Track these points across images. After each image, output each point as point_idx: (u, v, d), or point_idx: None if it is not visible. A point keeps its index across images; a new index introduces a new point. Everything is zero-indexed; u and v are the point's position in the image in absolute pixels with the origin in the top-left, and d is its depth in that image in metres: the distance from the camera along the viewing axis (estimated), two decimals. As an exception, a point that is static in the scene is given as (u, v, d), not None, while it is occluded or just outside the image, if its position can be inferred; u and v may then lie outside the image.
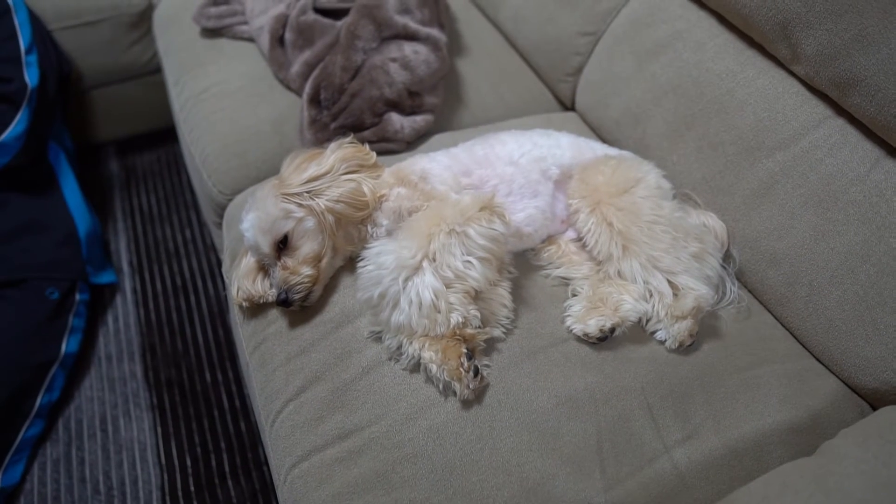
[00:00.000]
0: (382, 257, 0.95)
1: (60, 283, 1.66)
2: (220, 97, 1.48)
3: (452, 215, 0.95)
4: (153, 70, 2.06)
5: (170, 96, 1.65)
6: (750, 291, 1.16)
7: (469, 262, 0.94)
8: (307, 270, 1.04)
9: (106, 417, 1.62)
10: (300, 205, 1.05)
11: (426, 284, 0.92)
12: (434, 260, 0.93)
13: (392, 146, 1.36)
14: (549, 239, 1.16)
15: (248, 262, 1.13)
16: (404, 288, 0.92)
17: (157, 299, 1.88)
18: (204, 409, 1.64)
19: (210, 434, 1.58)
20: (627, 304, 1.01)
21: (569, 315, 1.03)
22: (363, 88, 1.34)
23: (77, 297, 1.70)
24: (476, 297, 0.97)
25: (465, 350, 0.93)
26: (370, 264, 0.96)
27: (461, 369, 0.91)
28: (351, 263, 1.09)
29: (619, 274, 1.05)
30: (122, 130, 2.28)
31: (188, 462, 1.53)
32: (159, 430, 1.60)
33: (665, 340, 1.01)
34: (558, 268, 1.11)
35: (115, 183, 2.21)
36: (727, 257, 1.15)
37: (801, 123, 1.07)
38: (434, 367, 0.93)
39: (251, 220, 1.06)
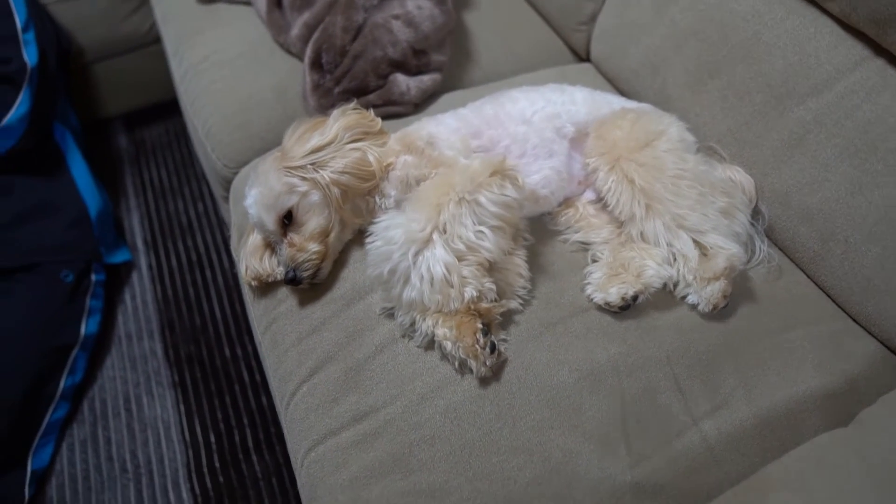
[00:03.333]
0: (391, 231, 0.90)
1: (74, 265, 1.64)
2: (219, 66, 1.43)
3: (462, 183, 0.90)
4: (154, 40, 2.00)
5: (170, 67, 1.60)
6: (780, 249, 1.10)
7: (481, 231, 0.89)
8: (314, 246, 1.00)
9: (129, 396, 1.62)
10: (304, 178, 1.00)
11: (437, 258, 0.87)
12: (444, 232, 0.88)
13: (399, 109, 1.30)
14: (567, 202, 1.10)
15: (255, 239, 1.09)
16: (415, 263, 0.88)
17: (174, 275, 1.86)
18: (225, 384, 1.64)
19: (232, 409, 1.58)
20: (650, 269, 0.96)
21: (588, 283, 0.98)
22: (366, 49, 1.27)
23: (93, 277, 1.69)
24: (490, 268, 0.92)
25: (480, 325, 0.89)
26: (378, 240, 0.92)
27: (477, 346, 0.87)
28: (360, 236, 1.05)
29: (643, 236, 0.99)
30: (129, 104, 2.24)
31: (212, 438, 1.53)
32: (182, 407, 1.60)
33: (697, 304, 0.96)
34: (577, 232, 1.06)
35: (125, 158, 2.18)
36: (756, 214, 1.09)
37: (835, 66, 0.99)
38: (449, 345, 0.89)
39: (254, 197, 1.02)
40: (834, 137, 0.98)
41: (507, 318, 0.95)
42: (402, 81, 1.28)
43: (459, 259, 0.88)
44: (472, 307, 0.90)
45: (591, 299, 0.97)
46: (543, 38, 1.51)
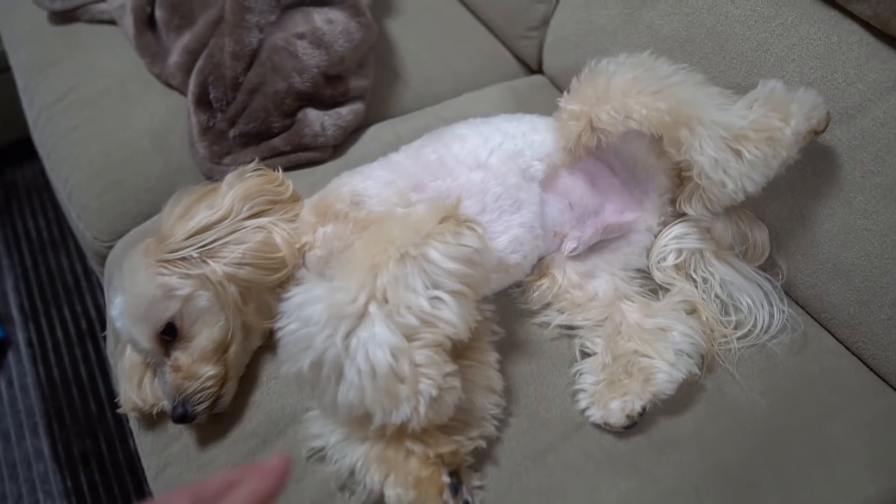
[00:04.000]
0: (308, 308, 0.62)
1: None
2: (79, 106, 1.11)
3: (403, 234, 0.64)
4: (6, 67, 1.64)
5: (22, 105, 1.27)
6: (800, 306, 0.89)
7: (437, 298, 0.63)
8: (209, 369, 0.73)
9: (7, 518, 1.31)
10: (187, 274, 0.73)
11: (377, 340, 0.60)
12: (385, 301, 0.62)
13: (313, 155, 1.02)
14: (540, 267, 0.86)
15: (133, 356, 0.81)
16: (347, 349, 0.61)
17: (59, 350, 1.54)
18: (132, 485, 1.35)
19: (140, 523, 1.29)
20: (661, 373, 0.73)
21: (581, 391, 0.75)
22: (264, 80, 0.99)
23: (-52, 371, 1.36)
24: (453, 351, 0.67)
25: (447, 479, 0.64)
26: (292, 321, 0.63)
27: (445, 512, 0.63)
28: (272, 341, 0.78)
29: (702, 174, 0.76)
30: (-6, 141, 1.87)
31: (116, 567, 1.24)
32: (78, 522, 1.30)
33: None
34: (559, 313, 0.82)
35: (-7, 207, 1.82)
36: (772, 268, 0.87)
37: (868, 86, 0.78)
38: (405, 513, 0.64)
39: (119, 306, 0.74)
40: (873, 176, 0.77)
41: (481, 453, 0.70)
42: (314, 119, 1.01)
43: (409, 338, 0.62)
44: (432, 455, 0.65)
45: (587, 417, 0.73)
46: (486, 48, 1.26)
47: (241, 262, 0.73)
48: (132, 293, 0.73)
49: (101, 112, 1.10)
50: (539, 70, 1.24)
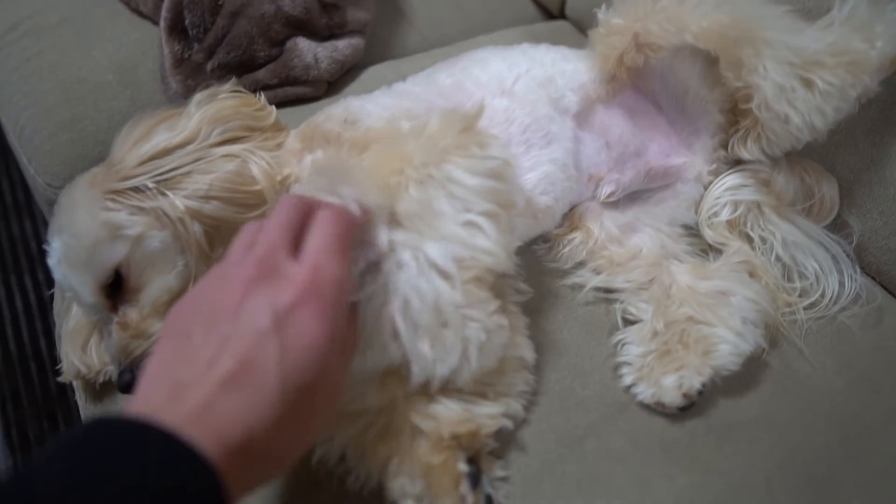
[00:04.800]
0: None
1: None
2: (36, 35, 0.97)
3: (418, 150, 0.51)
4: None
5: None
6: (872, 275, 0.76)
7: (471, 224, 0.50)
8: (160, 325, 0.59)
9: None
10: (139, 208, 0.59)
11: (411, 279, 0.48)
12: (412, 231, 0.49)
13: (303, 90, 0.88)
14: (570, 217, 0.73)
15: (79, 314, 0.67)
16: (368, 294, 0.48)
17: (18, 323, 1.39)
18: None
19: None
20: (725, 344, 0.60)
21: (626, 366, 0.61)
22: (248, 2, 0.85)
23: None
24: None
25: (465, 467, 0.51)
26: None
27: (462, 507, 0.49)
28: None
29: (762, 105, 0.63)
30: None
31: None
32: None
33: None
34: (597, 273, 0.68)
35: (-50, 167, 1.66)
36: (841, 228, 0.74)
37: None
38: (412, 507, 0.50)
39: (57, 251, 0.60)
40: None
41: (506, 437, 0.57)
42: (306, 49, 0.87)
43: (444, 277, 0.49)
44: (447, 435, 0.51)
45: (634, 395, 0.60)
46: (502, -13, 1.12)
47: (207, 194, 0.59)
48: (71, 234, 0.59)
49: (60, 42, 0.95)
50: (561, 15, 1.10)
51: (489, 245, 0.49)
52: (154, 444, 0.33)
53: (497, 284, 0.55)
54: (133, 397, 0.39)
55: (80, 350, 0.65)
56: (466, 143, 0.50)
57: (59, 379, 0.66)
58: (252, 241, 0.43)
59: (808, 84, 0.62)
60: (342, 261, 0.43)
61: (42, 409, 1.28)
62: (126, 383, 0.58)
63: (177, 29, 0.88)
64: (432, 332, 0.48)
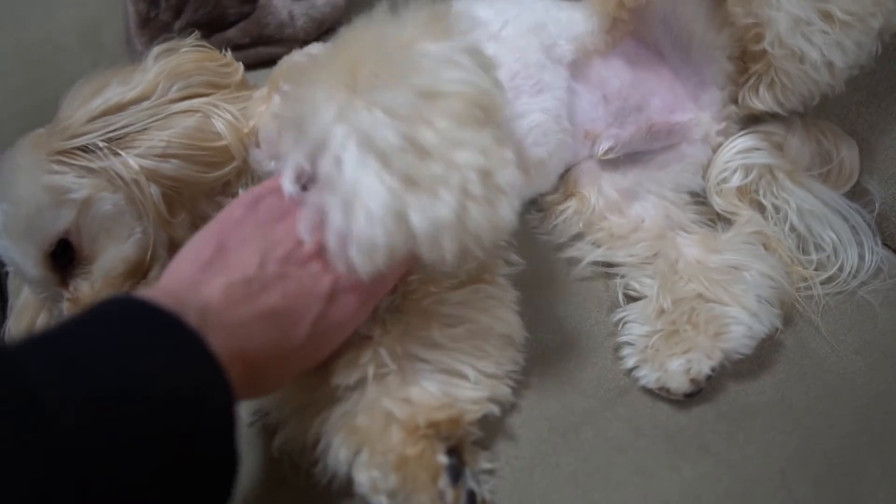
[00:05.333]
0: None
1: None
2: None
3: (380, 42, 0.43)
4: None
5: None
6: (893, 250, 0.70)
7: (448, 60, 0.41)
8: None
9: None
10: (88, 169, 0.53)
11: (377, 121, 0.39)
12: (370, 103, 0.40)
13: (278, 51, 0.81)
14: (566, 182, 0.66)
15: (27, 291, 0.61)
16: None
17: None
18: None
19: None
20: (738, 325, 0.54)
21: (628, 346, 0.56)
22: (217, -45, 0.78)
23: None
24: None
25: (444, 459, 0.45)
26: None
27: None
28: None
29: (775, 42, 0.57)
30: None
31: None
32: None
33: None
34: (596, 247, 0.62)
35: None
36: (862, 196, 0.68)
37: None
38: (385, 504, 0.45)
39: (-1, 219, 0.54)
40: None
41: (493, 424, 0.51)
42: (280, 6, 0.81)
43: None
44: (423, 422, 0.46)
45: (636, 378, 0.54)
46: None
47: (165, 152, 0.53)
48: (11, 202, 0.53)
49: (17, 1, 0.89)
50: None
51: (466, 75, 0.41)
52: (185, 346, 0.35)
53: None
54: (172, 272, 0.41)
55: (26, 331, 0.59)
56: (436, 30, 0.43)
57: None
58: None
59: (825, 15, 0.56)
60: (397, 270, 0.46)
61: None
62: None
63: (142, -14, 0.82)
64: (414, 171, 0.38)
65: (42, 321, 0.59)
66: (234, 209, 0.45)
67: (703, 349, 0.52)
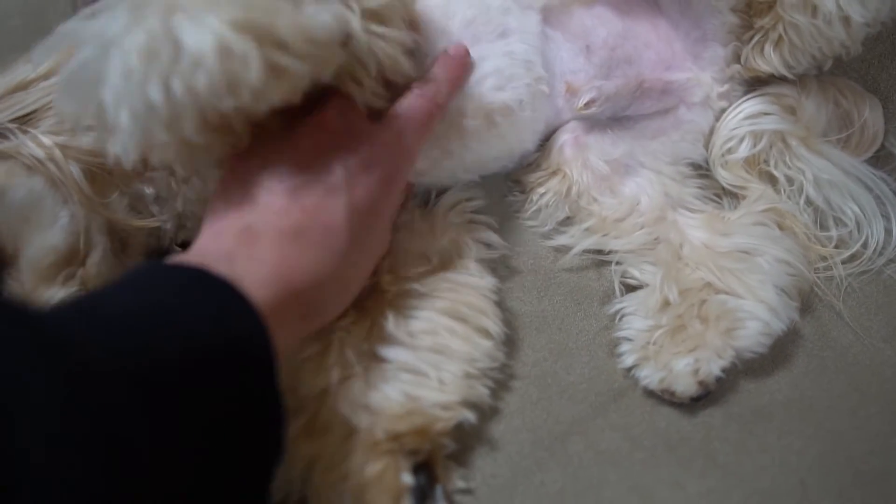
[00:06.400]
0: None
1: None
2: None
3: None
4: None
5: None
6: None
7: None
8: (58, 293, 0.47)
9: None
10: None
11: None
12: None
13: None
14: (548, 155, 0.59)
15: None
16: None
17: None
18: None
19: None
20: (754, 321, 0.48)
21: (626, 342, 0.49)
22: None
23: None
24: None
25: (408, 479, 0.40)
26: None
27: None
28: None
29: None
30: None
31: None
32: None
33: None
34: (589, 234, 0.55)
35: None
36: (887, 162, 0.61)
37: None
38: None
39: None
40: None
41: (468, 434, 0.45)
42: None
43: None
44: (384, 434, 0.40)
45: (636, 380, 0.47)
46: None
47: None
48: None
49: (-41, -18, 0.82)
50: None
51: None
52: (213, 291, 0.33)
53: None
54: (203, 233, 0.39)
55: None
56: None
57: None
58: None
59: None
60: (423, 139, 0.44)
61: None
62: None
63: (87, -41, 0.75)
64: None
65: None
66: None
67: (712, 347, 0.46)
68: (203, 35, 0.32)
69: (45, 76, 0.47)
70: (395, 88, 0.44)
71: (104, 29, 0.34)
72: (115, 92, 0.33)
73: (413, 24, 0.46)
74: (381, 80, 0.42)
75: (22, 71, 0.48)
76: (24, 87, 0.47)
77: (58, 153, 0.47)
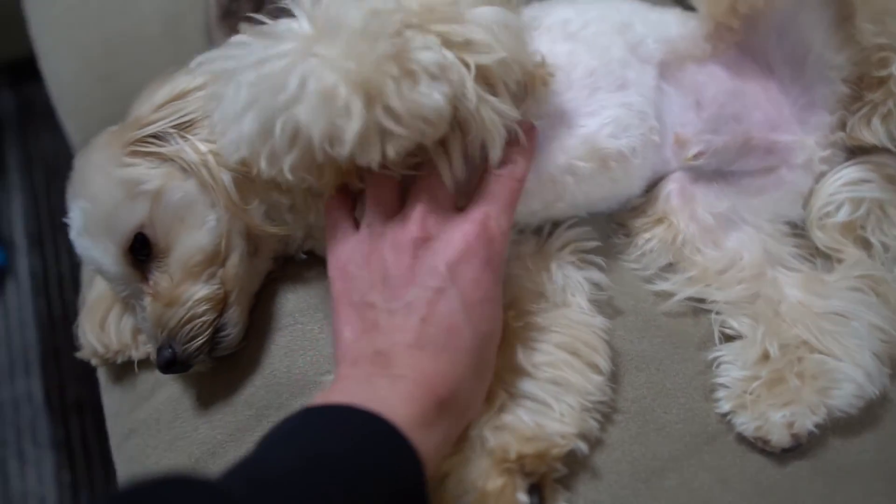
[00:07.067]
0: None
1: None
2: (81, -16, 0.91)
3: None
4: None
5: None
6: None
7: None
8: (197, 290, 0.52)
9: (-12, 463, 1.16)
10: (160, 158, 0.52)
11: None
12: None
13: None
14: (654, 201, 0.62)
15: (100, 288, 0.61)
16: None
17: (64, 285, 1.36)
18: (127, 443, 1.17)
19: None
20: (849, 382, 0.50)
21: (723, 389, 0.52)
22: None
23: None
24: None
25: (524, 498, 0.44)
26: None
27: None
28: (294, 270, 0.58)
29: None
30: (14, 50, 1.69)
31: (98, 534, 1.08)
32: (65, 477, 1.14)
33: None
34: (691, 284, 0.57)
35: (8, 124, 1.65)
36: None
37: None
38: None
39: (76, 221, 0.54)
40: None
41: (576, 461, 0.48)
42: None
43: None
44: (514, 454, 0.43)
45: (732, 425, 0.50)
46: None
47: None
48: (88, 199, 0.53)
49: (105, -10, 0.89)
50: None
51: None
52: (363, 426, 0.36)
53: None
54: (338, 365, 0.42)
55: (98, 327, 0.59)
56: None
57: (79, 355, 0.61)
58: (385, 197, 0.45)
59: None
60: (512, 216, 0.46)
61: (81, 373, 1.25)
62: (166, 361, 0.52)
63: (226, -22, 0.81)
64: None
65: (115, 316, 0.59)
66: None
67: (808, 403, 0.48)
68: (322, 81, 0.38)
69: (201, 87, 0.52)
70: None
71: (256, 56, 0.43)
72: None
73: (529, 83, 0.49)
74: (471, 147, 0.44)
75: (182, 81, 0.53)
76: (183, 95, 0.53)
77: (211, 160, 0.51)
